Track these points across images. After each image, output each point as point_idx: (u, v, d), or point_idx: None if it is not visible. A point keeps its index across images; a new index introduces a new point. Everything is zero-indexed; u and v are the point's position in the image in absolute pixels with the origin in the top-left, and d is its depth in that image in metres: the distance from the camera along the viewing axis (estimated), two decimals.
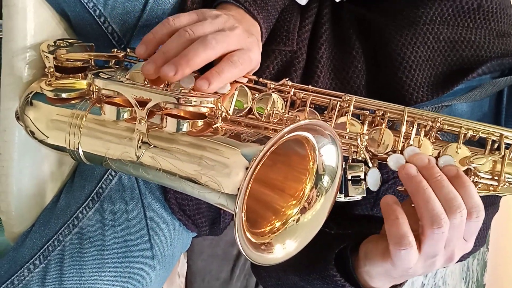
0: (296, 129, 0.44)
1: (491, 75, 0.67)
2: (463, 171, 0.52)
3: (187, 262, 1.20)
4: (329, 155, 0.48)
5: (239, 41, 0.53)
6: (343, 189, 0.53)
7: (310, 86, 0.56)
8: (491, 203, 0.72)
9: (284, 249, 0.47)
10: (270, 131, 0.51)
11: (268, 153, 0.42)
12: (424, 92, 0.63)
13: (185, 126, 0.47)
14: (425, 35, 0.64)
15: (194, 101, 0.46)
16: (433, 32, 0.64)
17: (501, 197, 0.75)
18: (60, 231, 0.65)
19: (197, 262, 1.20)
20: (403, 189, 0.53)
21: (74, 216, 0.65)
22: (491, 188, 0.52)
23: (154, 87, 0.48)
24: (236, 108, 0.55)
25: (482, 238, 0.71)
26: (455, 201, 0.47)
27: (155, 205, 0.69)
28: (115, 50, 0.60)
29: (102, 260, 0.64)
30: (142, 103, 0.48)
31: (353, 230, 0.68)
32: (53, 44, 0.58)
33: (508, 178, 0.52)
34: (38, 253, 0.63)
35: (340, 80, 0.65)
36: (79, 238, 0.64)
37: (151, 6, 0.62)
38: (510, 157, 0.52)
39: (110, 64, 0.60)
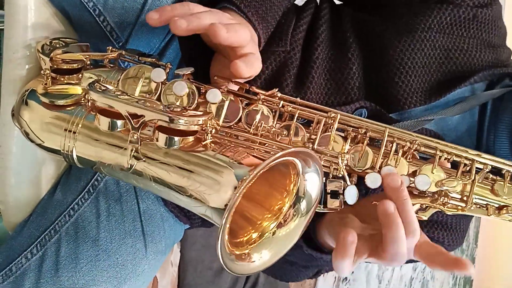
0: (287, 154, 0.47)
1: (483, 83, 0.69)
2: (436, 191, 0.56)
3: (180, 251, 1.23)
4: (311, 182, 0.51)
5: (252, 46, 0.55)
6: (322, 200, 0.56)
7: (298, 99, 0.58)
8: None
9: (260, 258, 0.51)
10: (257, 145, 0.55)
11: (257, 175, 0.45)
12: (418, 97, 0.65)
13: (176, 142, 0.50)
14: (422, 42, 0.66)
15: (186, 121, 0.49)
16: (430, 39, 0.66)
17: None
18: (56, 221, 0.68)
19: (190, 251, 1.24)
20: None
21: (70, 207, 0.69)
22: (459, 208, 0.56)
23: (148, 104, 0.50)
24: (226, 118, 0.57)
25: (461, 238, 0.75)
26: (411, 225, 0.52)
27: (148, 197, 0.73)
28: (110, 48, 0.60)
29: (96, 249, 0.68)
30: (136, 115, 0.50)
31: None
32: (48, 44, 0.59)
33: (476, 199, 0.56)
34: (35, 242, 0.67)
35: (335, 81, 0.67)
36: (74, 228, 0.68)
37: (149, 6, 0.63)
38: (479, 181, 0.55)
39: (104, 63, 0.61)
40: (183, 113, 0.49)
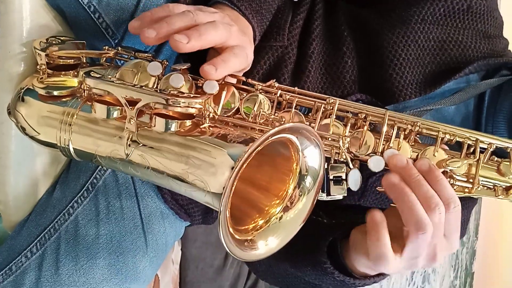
0: (281, 131, 0.46)
1: (478, 75, 0.69)
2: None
3: (181, 249, 1.23)
4: (312, 156, 0.50)
5: (237, 37, 0.54)
6: (325, 188, 0.55)
7: (296, 88, 0.57)
8: (470, 196, 0.75)
9: (266, 245, 0.50)
10: (257, 132, 0.53)
11: (253, 154, 0.44)
12: (412, 89, 0.65)
13: (173, 126, 0.49)
14: (416, 34, 0.66)
15: (183, 102, 0.48)
16: (424, 31, 0.66)
17: None
18: (55, 220, 0.67)
19: (191, 249, 1.23)
20: (382, 190, 0.55)
21: (69, 205, 0.68)
22: (466, 190, 0.55)
23: (144, 87, 0.50)
24: (224, 108, 0.57)
25: (462, 230, 0.74)
26: (433, 199, 0.50)
27: (148, 194, 0.72)
28: (106, 47, 0.60)
29: (96, 247, 0.67)
30: (132, 102, 0.50)
31: (344, 219, 0.70)
32: (45, 41, 0.59)
33: (482, 181, 0.55)
34: (35, 241, 0.66)
35: (331, 75, 0.67)
36: (74, 227, 0.67)
37: (144, 2, 0.64)
38: (485, 161, 0.54)
39: (101, 61, 0.61)
40: (180, 95, 0.48)
